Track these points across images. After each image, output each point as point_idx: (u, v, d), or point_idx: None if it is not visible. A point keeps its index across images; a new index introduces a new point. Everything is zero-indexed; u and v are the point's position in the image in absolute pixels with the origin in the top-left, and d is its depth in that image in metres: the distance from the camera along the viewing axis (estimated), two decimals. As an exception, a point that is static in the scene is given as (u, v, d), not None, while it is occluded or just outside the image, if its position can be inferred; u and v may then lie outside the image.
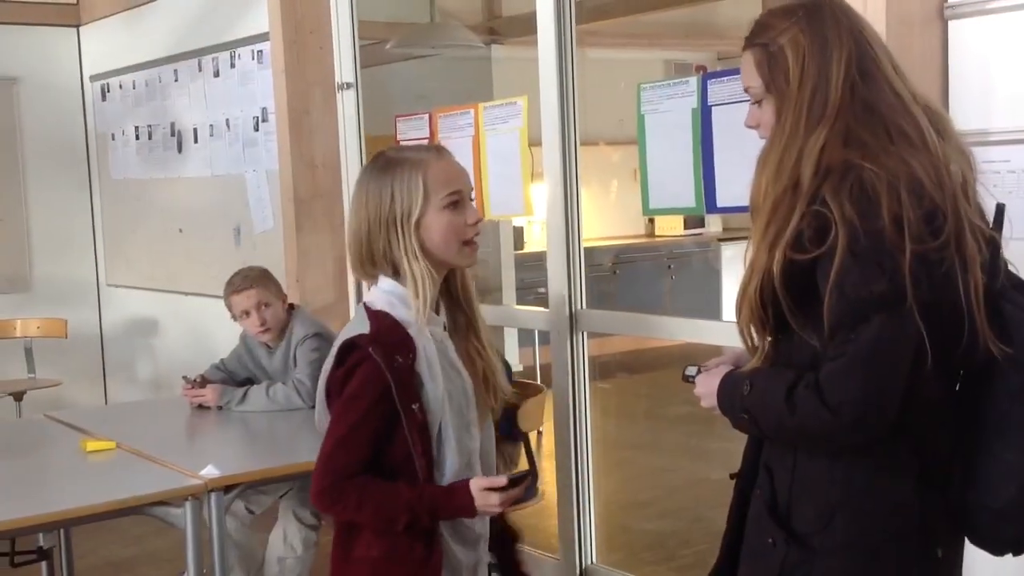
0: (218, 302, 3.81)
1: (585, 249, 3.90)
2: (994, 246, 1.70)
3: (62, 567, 3.63)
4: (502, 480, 2.02)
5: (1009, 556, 1.77)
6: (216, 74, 5.29)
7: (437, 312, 2.06)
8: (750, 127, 1.80)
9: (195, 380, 3.71)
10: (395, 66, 6.89)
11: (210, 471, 2.83)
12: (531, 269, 7.03)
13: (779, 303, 1.66)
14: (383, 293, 2.04)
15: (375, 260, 2.03)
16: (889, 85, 1.70)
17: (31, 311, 6.16)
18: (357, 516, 2.00)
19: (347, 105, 4.78)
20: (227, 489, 2.83)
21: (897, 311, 1.58)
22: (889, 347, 1.59)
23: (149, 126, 5.91)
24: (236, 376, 3.81)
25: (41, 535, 3.54)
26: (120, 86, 6.14)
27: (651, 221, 9.20)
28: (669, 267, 8.99)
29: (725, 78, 3.18)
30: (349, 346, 1.99)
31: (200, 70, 5.40)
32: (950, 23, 2.69)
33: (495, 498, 2.01)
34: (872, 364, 1.59)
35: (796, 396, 1.65)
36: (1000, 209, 1.75)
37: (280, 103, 4.78)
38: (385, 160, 2.05)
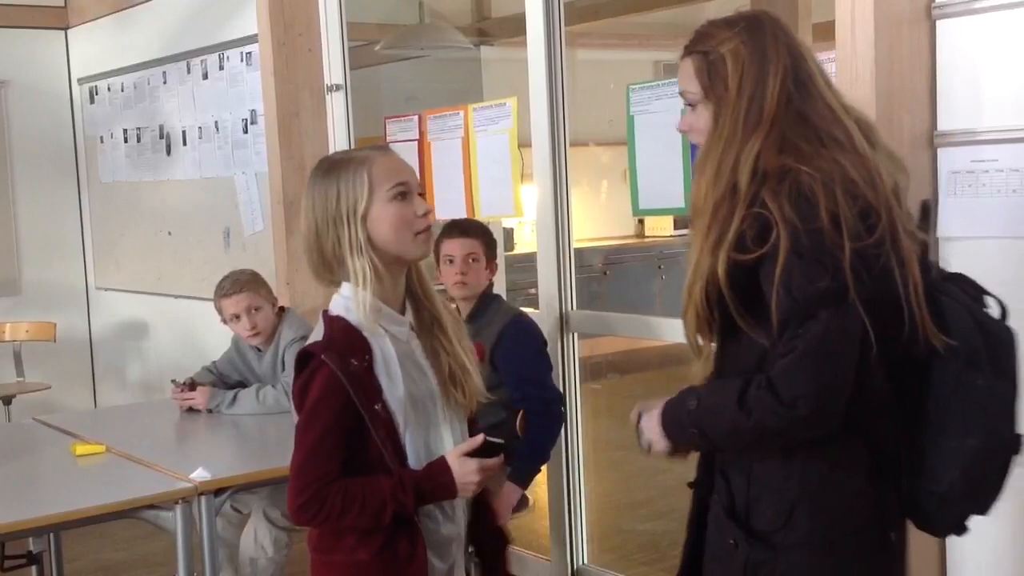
0: (208, 305, 3.80)
1: (575, 250, 3.91)
2: (923, 246, 1.78)
3: (52, 571, 3.62)
4: (478, 440, 2.02)
5: (990, 548, 1.79)
6: (205, 76, 5.28)
7: (403, 312, 2.05)
8: (682, 131, 1.87)
9: (184, 383, 3.70)
10: (384, 68, 6.89)
11: (200, 474, 2.82)
12: (521, 271, 7.03)
13: (725, 304, 1.72)
14: (341, 299, 2.02)
15: (326, 261, 2.01)
16: (822, 98, 1.78)
17: (20, 314, 6.14)
18: (343, 520, 1.96)
19: (336, 107, 4.78)
20: (217, 492, 2.82)
21: (841, 306, 1.64)
22: (836, 341, 1.65)
23: (138, 129, 5.90)
24: (228, 379, 3.81)
25: (31, 539, 3.52)
26: (108, 89, 6.12)
27: (641, 222, 9.22)
28: (659, 267, 9.00)
29: (714, 78, 3.18)
30: (305, 355, 1.97)
31: (189, 72, 5.39)
32: (938, 23, 2.70)
33: (473, 464, 1.99)
34: (821, 358, 1.65)
35: (749, 398, 1.70)
36: (925, 205, 1.83)
37: (269, 105, 4.77)
38: (329, 163, 2.04)
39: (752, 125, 1.74)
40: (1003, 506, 1.82)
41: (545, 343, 3.52)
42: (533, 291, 4.05)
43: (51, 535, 3.51)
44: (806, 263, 1.64)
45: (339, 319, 1.99)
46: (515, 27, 4.63)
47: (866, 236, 1.66)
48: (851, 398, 1.68)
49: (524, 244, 8.19)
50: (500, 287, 7.14)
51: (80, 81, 6.38)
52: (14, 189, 6.32)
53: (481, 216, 4.05)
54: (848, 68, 2.71)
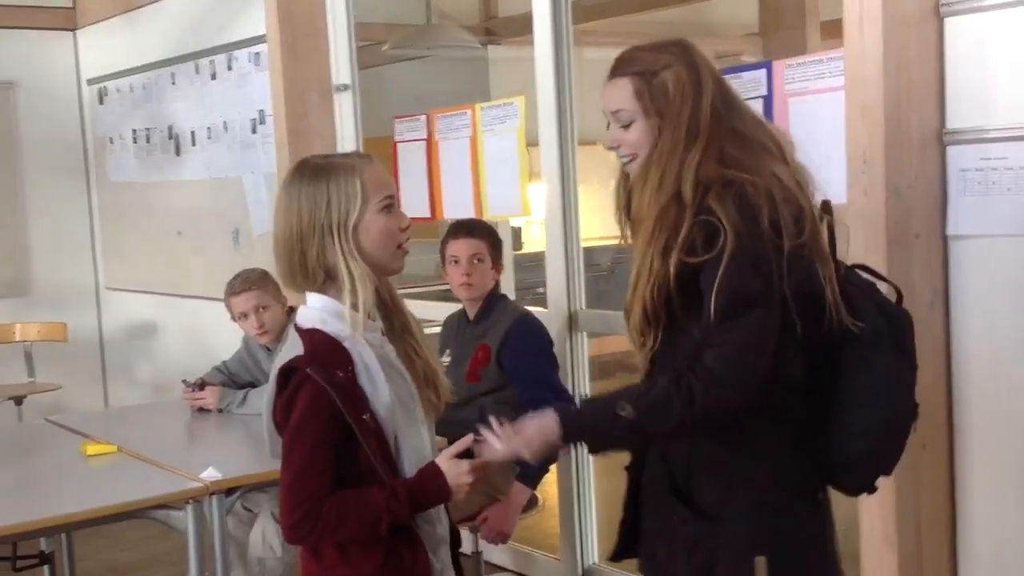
0: (218, 304, 3.81)
1: (584, 249, 3.91)
2: (831, 240, 1.97)
3: (64, 571, 3.63)
4: (468, 439, 2.01)
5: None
6: (213, 77, 5.29)
7: (372, 318, 2.02)
8: (610, 148, 2.02)
9: (195, 383, 3.72)
10: (392, 67, 6.90)
11: (211, 474, 2.83)
12: (530, 270, 7.02)
13: (671, 302, 1.88)
14: (312, 311, 1.98)
15: (307, 268, 1.95)
16: (748, 112, 1.99)
17: (31, 315, 6.16)
18: (339, 535, 1.93)
19: (344, 107, 4.79)
20: (228, 492, 2.83)
21: (772, 303, 1.83)
22: (765, 334, 1.84)
23: (147, 129, 5.91)
24: (238, 378, 3.82)
25: (43, 539, 3.54)
26: (117, 89, 6.14)
27: (649, 220, 9.19)
28: (668, 266, 8.95)
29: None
30: (287, 371, 1.92)
31: (197, 73, 5.41)
32: (946, 20, 2.69)
33: (464, 465, 1.98)
34: (751, 350, 1.84)
35: (693, 392, 1.85)
36: (826, 204, 1.97)
37: (277, 105, 4.78)
38: (315, 166, 1.99)
39: (691, 138, 1.90)
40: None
41: (551, 342, 3.52)
42: (541, 290, 4.05)
43: (63, 535, 3.52)
44: (745, 265, 1.81)
45: (316, 332, 1.95)
46: (522, 26, 4.63)
47: (797, 237, 1.85)
48: (773, 383, 1.86)
49: (532, 243, 8.19)
50: (508, 286, 7.15)
51: (89, 82, 6.40)
52: (24, 190, 6.34)
53: (489, 215, 4.06)
54: (856, 66, 2.70)
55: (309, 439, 1.90)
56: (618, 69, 1.99)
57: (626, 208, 2.03)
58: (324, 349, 1.93)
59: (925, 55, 2.70)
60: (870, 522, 2.77)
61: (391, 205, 1.99)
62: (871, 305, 1.93)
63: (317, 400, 1.89)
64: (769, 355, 1.85)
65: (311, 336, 1.94)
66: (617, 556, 2.16)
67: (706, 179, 1.87)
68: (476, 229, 3.52)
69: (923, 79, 2.70)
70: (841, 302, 1.90)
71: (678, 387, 1.86)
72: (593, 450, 2.06)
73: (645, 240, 1.90)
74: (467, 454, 2.03)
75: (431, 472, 1.99)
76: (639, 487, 2.09)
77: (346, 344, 1.94)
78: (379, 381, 1.96)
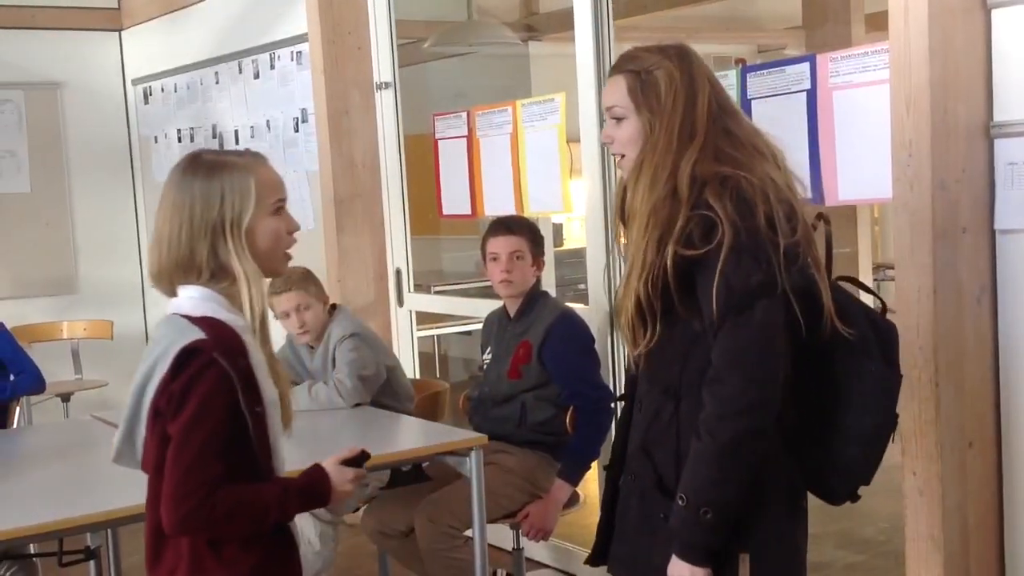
0: (260, 302, 3.83)
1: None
2: (827, 249, 2.02)
3: (109, 566, 3.67)
4: (357, 449, 2.03)
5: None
6: (256, 76, 5.33)
7: (264, 317, 1.99)
8: (604, 143, 2.07)
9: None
10: (433, 65, 6.91)
11: (253, 470, 2.84)
12: (570, 266, 7.02)
13: (666, 294, 1.90)
14: (197, 300, 1.92)
15: (194, 264, 1.91)
16: (742, 117, 2.03)
17: (77, 313, 6.23)
18: (228, 528, 1.88)
19: (386, 104, 4.80)
20: (270, 488, 2.84)
21: (775, 296, 1.85)
22: (773, 328, 1.85)
23: (191, 128, 5.97)
24: (280, 376, 3.83)
25: (88, 535, 3.57)
26: (162, 89, 6.20)
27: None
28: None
29: (765, 71, 3.16)
30: (188, 353, 1.85)
31: (240, 72, 5.45)
32: (993, 11, 2.65)
33: (350, 473, 1.99)
34: (760, 343, 1.84)
35: (707, 422, 1.84)
36: (822, 216, 2.02)
37: (319, 104, 4.81)
38: (207, 162, 1.94)
39: (687, 137, 1.93)
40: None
41: (593, 340, 3.51)
42: (582, 286, 4.04)
43: (108, 531, 3.55)
44: (745, 259, 1.83)
45: (214, 319, 1.90)
46: (563, 22, 4.61)
47: (791, 235, 1.88)
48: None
49: (573, 240, 8.17)
50: (549, 283, 7.15)
51: (134, 82, 6.47)
52: (71, 189, 6.42)
53: (530, 212, 4.05)
54: (901, 59, 2.67)
55: (208, 425, 1.84)
56: (617, 67, 2.04)
57: (621, 207, 2.04)
58: (226, 336, 1.88)
59: (972, 47, 2.66)
60: (915, 521, 2.74)
61: (282, 207, 1.97)
62: (861, 314, 1.95)
63: (221, 385, 1.84)
64: (780, 347, 1.86)
65: (210, 323, 1.89)
66: (595, 560, 2.18)
67: (702, 176, 1.90)
68: (516, 226, 3.51)
69: (969, 71, 2.66)
70: (832, 307, 1.92)
71: (698, 436, 1.86)
72: (703, 533, 1.91)
73: (639, 235, 1.92)
74: (351, 462, 2.03)
75: (318, 474, 1.98)
76: (616, 488, 2.10)
77: (240, 332, 1.91)
78: (265, 377, 1.92)
